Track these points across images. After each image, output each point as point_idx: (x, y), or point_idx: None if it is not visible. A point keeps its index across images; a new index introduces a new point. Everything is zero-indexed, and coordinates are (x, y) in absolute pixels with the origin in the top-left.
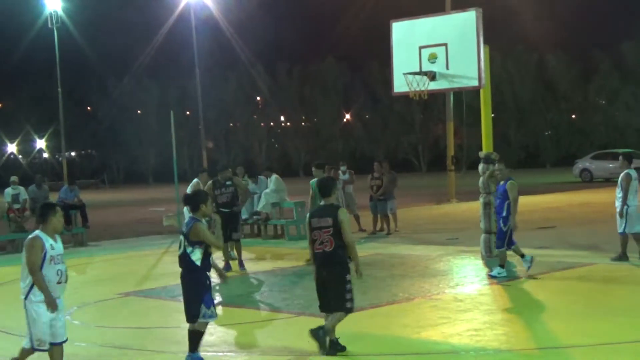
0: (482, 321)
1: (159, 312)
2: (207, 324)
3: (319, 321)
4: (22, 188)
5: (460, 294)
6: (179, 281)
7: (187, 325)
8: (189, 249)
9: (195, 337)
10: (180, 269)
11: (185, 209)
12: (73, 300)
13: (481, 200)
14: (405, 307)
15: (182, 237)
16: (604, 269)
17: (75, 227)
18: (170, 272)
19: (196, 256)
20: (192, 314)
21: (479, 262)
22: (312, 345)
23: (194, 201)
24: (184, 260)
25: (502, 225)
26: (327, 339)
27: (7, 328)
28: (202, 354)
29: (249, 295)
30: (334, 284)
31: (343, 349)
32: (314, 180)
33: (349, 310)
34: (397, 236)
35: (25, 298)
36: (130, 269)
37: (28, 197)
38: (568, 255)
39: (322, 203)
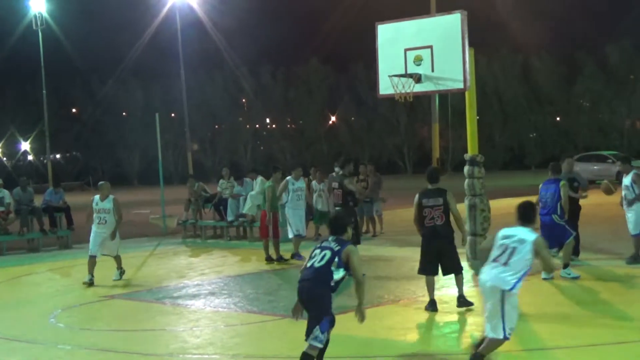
0: (468, 323)
1: (144, 314)
2: (315, 348)
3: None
4: (6, 191)
5: (446, 295)
6: (163, 284)
7: (171, 328)
8: (334, 267)
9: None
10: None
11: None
12: (57, 302)
13: (466, 202)
14: (390, 309)
15: (325, 252)
16: (590, 271)
17: (60, 229)
18: (155, 275)
19: (337, 276)
20: (307, 332)
21: (464, 265)
22: (296, 347)
23: (341, 224)
24: (324, 274)
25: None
26: None
27: None
28: (187, 356)
29: (235, 298)
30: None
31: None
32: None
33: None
34: (382, 238)
35: (512, 289)
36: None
37: (12, 200)
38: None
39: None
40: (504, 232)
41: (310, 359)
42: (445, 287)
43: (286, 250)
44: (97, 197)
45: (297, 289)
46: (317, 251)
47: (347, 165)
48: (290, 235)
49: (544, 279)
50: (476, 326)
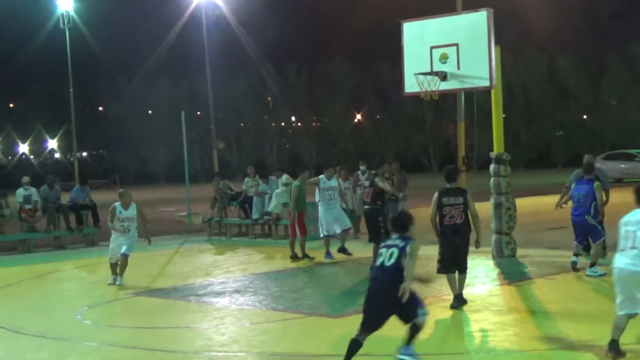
0: (492, 322)
1: (169, 312)
2: (424, 322)
3: (330, 321)
4: (33, 189)
5: (471, 294)
6: (188, 281)
7: (196, 326)
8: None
9: (415, 331)
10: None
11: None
12: (84, 300)
13: (492, 200)
14: None
15: (392, 250)
16: None
17: (87, 227)
18: (181, 272)
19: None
20: (363, 325)
21: (490, 263)
22: (321, 345)
23: (403, 223)
24: (394, 272)
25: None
26: None
27: (20, 328)
28: (212, 354)
29: (260, 296)
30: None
31: None
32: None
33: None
34: None
35: None
36: (141, 269)
37: (40, 198)
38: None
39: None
40: (624, 219)
41: (419, 329)
42: (470, 285)
43: (313, 248)
44: (118, 205)
45: (368, 289)
46: (384, 250)
47: (381, 166)
48: (322, 235)
49: (589, 275)
50: (501, 325)
